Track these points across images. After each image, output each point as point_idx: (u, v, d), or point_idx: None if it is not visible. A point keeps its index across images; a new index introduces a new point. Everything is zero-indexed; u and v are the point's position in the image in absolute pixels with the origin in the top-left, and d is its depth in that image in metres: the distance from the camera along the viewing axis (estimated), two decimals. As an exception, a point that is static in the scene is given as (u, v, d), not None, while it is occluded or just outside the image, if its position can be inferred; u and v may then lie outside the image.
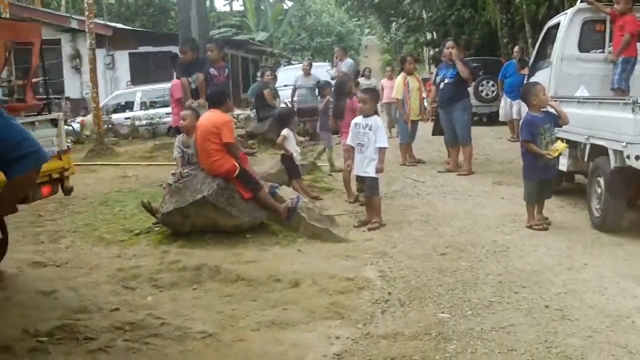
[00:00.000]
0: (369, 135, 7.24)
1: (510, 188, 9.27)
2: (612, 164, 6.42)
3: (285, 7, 43.72)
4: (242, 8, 41.92)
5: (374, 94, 7.78)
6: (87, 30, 15.25)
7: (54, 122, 5.52)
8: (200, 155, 6.96)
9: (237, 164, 6.83)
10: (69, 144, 5.72)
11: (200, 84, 7.91)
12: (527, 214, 7.10)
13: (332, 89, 9.99)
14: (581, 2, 8.51)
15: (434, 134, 11.80)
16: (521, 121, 7.16)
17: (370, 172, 7.26)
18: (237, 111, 17.35)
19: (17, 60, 5.75)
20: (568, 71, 8.35)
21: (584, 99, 7.65)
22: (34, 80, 5.87)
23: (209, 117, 7.01)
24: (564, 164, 7.93)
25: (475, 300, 4.90)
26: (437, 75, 10.96)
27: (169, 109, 18.28)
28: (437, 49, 31.55)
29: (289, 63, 33.93)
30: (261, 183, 7.07)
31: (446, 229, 7.07)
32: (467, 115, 10.68)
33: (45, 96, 6.00)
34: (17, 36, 5.51)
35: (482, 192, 9.03)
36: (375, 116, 7.43)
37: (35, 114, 5.72)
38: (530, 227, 6.91)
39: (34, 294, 5.29)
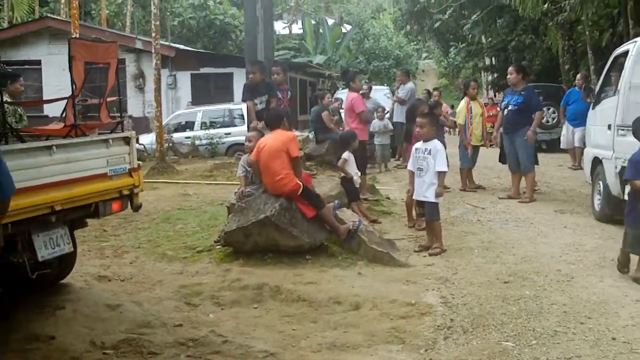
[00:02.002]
0: (429, 160, 7.24)
1: (573, 217, 9.11)
2: (682, 195, 6.23)
3: (344, 30, 44.00)
4: (301, 31, 42.37)
5: (432, 117, 7.76)
6: (153, 51, 15.64)
7: (127, 140, 5.67)
8: (264, 175, 7.04)
9: (300, 183, 6.90)
10: (139, 162, 5.85)
11: (272, 108, 8.04)
12: (619, 257, 6.31)
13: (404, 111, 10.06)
14: (651, 29, 8.35)
15: (500, 161, 11.60)
16: (628, 159, 6.75)
17: (430, 196, 7.23)
18: (295, 133, 17.50)
19: (89, 79, 5.91)
20: (636, 100, 8.17)
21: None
22: (108, 99, 6.04)
23: (275, 136, 7.12)
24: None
25: (539, 330, 4.82)
26: (503, 100, 10.88)
27: (228, 129, 18.74)
28: (496, 74, 31.33)
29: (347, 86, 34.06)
30: (324, 201, 7.11)
31: (508, 257, 6.97)
32: (531, 142, 10.53)
33: (118, 115, 6.16)
34: (96, 57, 5.69)
35: (544, 220, 8.87)
36: (435, 140, 7.39)
37: (109, 132, 5.88)
38: (637, 280, 6.04)
39: (100, 307, 5.43)
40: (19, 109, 7.29)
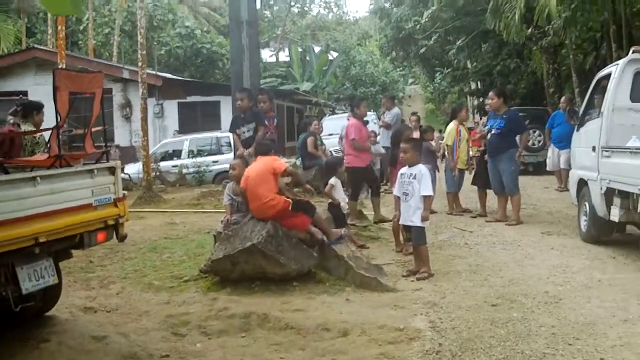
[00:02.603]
0: (414, 185, 7.25)
1: (560, 238, 9.14)
2: (667, 215, 6.28)
3: (331, 57, 44.29)
4: (287, 59, 42.63)
5: (416, 143, 7.79)
6: (139, 80, 15.68)
7: (112, 170, 5.65)
8: (252, 201, 7.06)
9: (289, 199, 7.05)
10: (124, 192, 5.83)
11: (259, 137, 8.07)
12: None
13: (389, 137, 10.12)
14: (633, 52, 8.45)
15: (473, 183, 11.71)
16: None
17: (416, 221, 7.23)
18: (282, 159, 17.52)
19: (74, 109, 5.91)
20: (620, 122, 8.26)
21: (636, 149, 7.54)
22: (93, 129, 6.03)
23: (259, 163, 7.24)
24: (615, 215, 7.80)
25: (528, 352, 4.81)
26: (486, 124, 10.95)
27: (215, 157, 18.75)
28: (481, 99, 31.57)
29: (333, 112, 34.22)
30: (313, 205, 7.37)
31: (496, 280, 6.97)
32: (514, 166, 10.58)
33: (103, 144, 6.15)
34: (81, 87, 5.69)
35: (531, 242, 8.90)
36: (420, 165, 7.41)
37: (94, 162, 5.86)
38: None
39: (85, 338, 5.37)
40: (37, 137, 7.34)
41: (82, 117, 6.43)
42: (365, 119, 11.09)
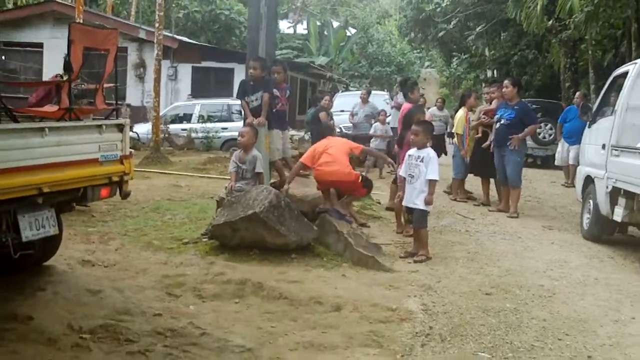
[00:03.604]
0: (420, 167, 7.25)
1: (561, 233, 9.14)
2: (670, 218, 6.28)
3: (349, 33, 43.99)
4: (305, 31, 42.38)
5: (427, 126, 7.75)
6: (155, 41, 15.66)
7: (120, 127, 5.67)
8: (330, 165, 7.85)
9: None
10: (131, 150, 5.85)
11: (265, 103, 8.04)
12: None
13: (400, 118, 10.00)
14: (651, 51, 8.38)
15: (472, 172, 11.65)
16: None
17: (420, 204, 7.24)
18: (292, 132, 17.52)
19: (88, 65, 5.91)
20: (632, 121, 8.21)
21: (645, 150, 7.51)
22: (105, 85, 6.04)
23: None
24: (619, 214, 7.79)
25: (517, 343, 4.84)
26: (496, 113, 10.83)
27: (225, 124, 18.74)
28: (483, 85, 31.37)
29: (347, 89, 34.12)
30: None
31: (493, 269, 6.99)
32: (520, 158, 10.51)
33: (114, 102, 6.16)
34: (95, 42, 5.69)
35: (532, 235, 8.90)
36: (429, 148, 7.40)
37: (103, 118, 5.88)
38: None
39: (81, 291, 5.43)
40: None
41: (95, 72, 6.43)
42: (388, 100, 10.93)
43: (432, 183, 7.24)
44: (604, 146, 8.50)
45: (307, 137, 16.30)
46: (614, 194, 7.94)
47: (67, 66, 5.46)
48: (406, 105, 10.22)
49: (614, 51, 21.64)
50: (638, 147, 7.79)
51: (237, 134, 8.12)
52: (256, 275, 6.07)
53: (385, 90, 30.18)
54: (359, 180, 7.86)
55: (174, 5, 32.86)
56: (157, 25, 15.79)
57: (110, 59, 5.84)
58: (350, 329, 4.95)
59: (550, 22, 21.21)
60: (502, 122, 10.45)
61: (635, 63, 8.60)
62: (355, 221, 8.25)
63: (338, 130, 15.23)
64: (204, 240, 7.15)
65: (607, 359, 4.65)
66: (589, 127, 9.65)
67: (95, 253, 6.76)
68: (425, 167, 7.21)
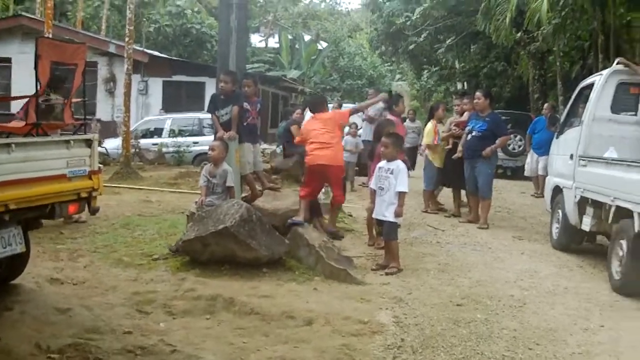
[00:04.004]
0: (390, 180, 7.29)
1: (531, 244, 9.23)
2: (636, 227, 6.37)
3: (320, 47, 44.14)
4: (277, 45, 42.45)
5: (397, 138, 7.79)
6: (125, 55, 15.57)
7: (88, 143, 5.62)
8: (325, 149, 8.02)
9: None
10: (100, 165, 5.79)
11: (234, 117, 8.03)
12: None
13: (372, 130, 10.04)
14: (617, 63, 8.51)
15: (443, 184, 11.74)
16: None
17: (389, 216, 7.27)
18: (263, 145, 17.50)
19: (56, 80, 5.86)
20: (599, 132, 8.33)
21: (612, 160, 7.62)
22: (73, 100, 5.99)
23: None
24: (587, 224, 7.89)
25: (488, 354, 4.87)
26: (467, 124, 10.86)
27: (196, 138, 18.65)
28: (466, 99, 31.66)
29: (319, 102, 34.09)
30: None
31: (464, 280, 7.03)
32: (491, 169, 10.59)
33: (82, 117, 6.11)
34: (63, 57, 5.65)
35: (502, 245, 8.97)
36: (398, 161, 7.43)
37: (71, 133, 5.82)
38: None
39: (49, 310, 5.35)
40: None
41: (63, 87, 6.37)
42: (402, 116, 10.94)
43: (401, 195, 7.28)
44: (571, 156, 8.61)
45: (278, 150, 16.26)
46: (582, 203, 8.05)
47: (50, 81, 5.45)
48: (391, 118, 10.26)
49: (582, 63, 21.93)
50: (605, 157, 7.92)
51: (208, 148, 8.09)
52: (227, 290, 6.03)
53: (357, 102, 30.29)
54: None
55: (144, 19, 32.76)
56: (127, 39, 15.71)
57: (79, 73, 5.79)
58: (322, 343, 4.94)
59: (519, 35, 21.47)
60: (474, 133, 10.48)
61: (601, 74, 8.74)
62: (327, 233, 8.24)
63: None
64: (174, 256, 7.08)
65: (577, 367, 4.69)
66: (557, 137, 9.76)
67: (63, 270, 6.66)
68: (395, 179, 7.25)
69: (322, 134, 8.10)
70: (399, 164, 7.37)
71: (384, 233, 7.42)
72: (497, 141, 10.47)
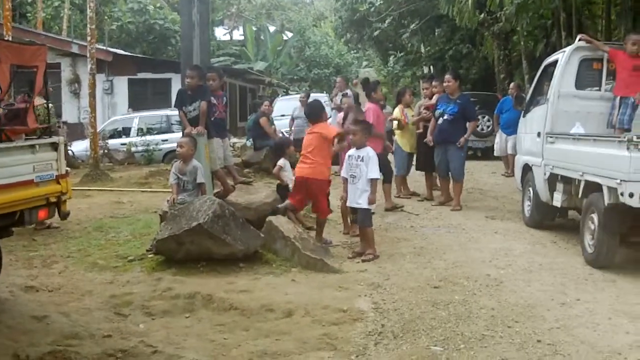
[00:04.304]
0: (361, 167, 7.30)
1: (504, 223, 9.32)
2: (606, 200, 6.47)
3: (285, 37, 44.09)
4: (242, 37, 42.26)
5: (365, 125, 7.80)
6: (88, 55, 15.36)
7: (54, 146, 5.54)
8: (318, 157, 7.76)
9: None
10: (67, 169, 5.72)
11: (202, 112, 7.97)
12: None
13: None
14: (579, 40, 8.60)
15: (418, 168, 11.80)
16: None
17: (363, 203, 7.29)
18: (233, 139, 17.42)
19: (18, 83, 5.79)
20: (564, 108, 8.42)
21: (579, 135, 7.72)
22: (35, 103, 5.90)
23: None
24: (558, 200, 7.98)
25: (468, 334, 4.91)
26: (436, 107, 10.84)
27: (165, 136, 18.50)
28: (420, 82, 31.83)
29: (287, 93, 34.11)
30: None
31: (440, 262, 7.08)
32: (464, 152, 10.67)
33: (47, 120, 6.02)
34: (22, 59, 5.56)
35: (476, 226, 9.05)
36: (368, 148, 7.44)
37: (36, 137, 5.73)
38: None
39: (25, 318, 5.27)
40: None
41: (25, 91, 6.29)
42: (381, 102, 10.82)
43: (374, 182, 7.30)
44: (539, 134, 8.70)
45: (248, 143, 16.22)
46: (552, 180, 8.14)
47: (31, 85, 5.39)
48: (369, 105, 10.24)
49: (545, 41, 22.11)
50: (572, 133, 8.01)
51: (176, 145, 8.03)
52: (205, 287, 6.01)
53: (325, 92, 30.29)
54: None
55: (106, 17, 32.30)
56: (89, 38, 15.48)
57: (40, 75, 5.71)
58: (303, 334, 4.95)
59: (482, 16, 21.57)
60: (445, 117, 10.48)
61: (564, 51, 8.82)
62: (302, 225, 8.25)
63: (280, 134, 15.20)
64: (150, 256, 7.03)
65: (555, 341, 4.75)
66: (524, 116, 9.84)
67: (38, 278, 6.58)
68: (366, 166, 7.26)
69: (307, 147, 7.88)
70: (369, 151, 7.38)
71: (359, 220, 7.45)
72: (468, 128, 10.57)
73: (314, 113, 8.15)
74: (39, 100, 7.17)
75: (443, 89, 10.93)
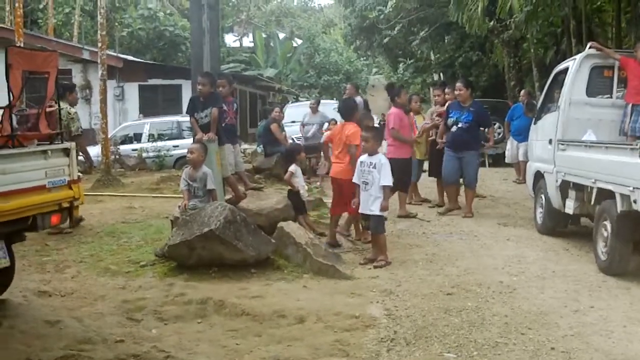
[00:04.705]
0: (374, 174, 7.29)
1: (516, 230, 9.28)
2: (619, 208, 6.44)
3: (295, 44, 44.14)
4: (252, 44, 42.34)
5: (377, 132, 7.80)
6: (99, 61, 15.43)
7: (66, 152, 5.56)
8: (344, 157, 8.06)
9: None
10: (79, 174, 5.73)
11: (214, 119, 7.98)
12: None
13: None
14: (590, 47, 8.58)
15: (430, 175, 11.75)
16: None
17: (375, 210, 7.28)
18: (244, 145, 17.45)
19: (30, 89, 5.81)
20: (576, 116, 8.40)
21: (590, 143, 7.69)
22: (48, 109, 5.93)
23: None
24: (570, 207, 7.95)
25: (481, 341, 4.88)
26: (448, 115, 10.73)
27: (176, 142, 18.55)
28: (430, 89, 31.76)
29: (297, 100, 34.16)
30: None
31: (452, 269, 7.06)
32: (478, 160, 10.68)
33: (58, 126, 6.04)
34: (34, 65, 5.58)
35: (488, 233, 9.02)
36: (380, 154, 7.47)
37: (48, 143, 5.75)
38: None
39: (38, 323, 5.29)
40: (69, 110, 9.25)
41: (37, 97, 6.32)
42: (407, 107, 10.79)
43: (386, 189, 7.29)
44: (550, 141, 8.68)
45: (259, 150, 16.24)
46: (564, 187, 8.11)
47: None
48: (393, 110, 10.24)
49: (555, 48, 22.07)
50: (583, 140, 7.98)
51: (187, 151, 8.05)
52: (217, 293, 6.01)
53: (335, 99, 30.33)
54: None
55: (117, 24, 32.48)
56: (100, 45, 15.57)
57: (51, 81, 5.72)
58: (316, 340, 4.94)
59: (492, 23, 21.54)
60: (460, 125, 10.38)
61: (575, 59, 8.81)
62: (313, 231, 8.25)
63: (290, 140, 15.21)
64: (161, 261, 7.04)
65: (569, 349, 4.72)
66: (535, 123, 9.82)
67: (51, 283, 6.60)
68: (379, 173, 7.25)
69: (336, 148, 8.30)
70: (381, 158, 7.38)
71: (372, 227, 7.43)
72: (487, 135, 10.78)
73: (347, 112, 8.46)
74: (63, 104, 7.49)
75: (454, 97, 10.89)
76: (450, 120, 10.62)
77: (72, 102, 9.68)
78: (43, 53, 5.95)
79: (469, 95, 10.62)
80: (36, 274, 6.95)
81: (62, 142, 5.79)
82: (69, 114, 9.24)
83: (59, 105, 5.92)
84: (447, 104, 11.21)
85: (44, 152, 5.39)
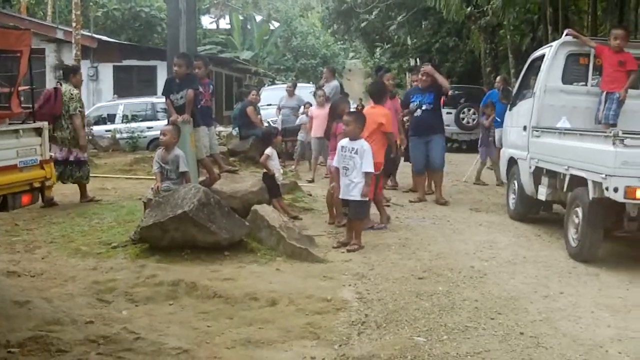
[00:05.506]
0: (355, 159, 7.22)
1: (489, 215, 9.36)
2: (591, 195, 6.51)
3: (272, 27, 43.92)
4: (228, 26, 42.05)
5: (359, 116, 7.73)
6: (73, 41, 15.26)
7: (38, 131, 5.49)
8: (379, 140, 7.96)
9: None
10: (51, 154, 5.67)
11: (189, 100, 7.90)
12: None
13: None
14: (566, 35, 8.62)
15: (406, 159, 11.73)
16: None
17: (356, 195, 7.24)
18: (219, 128, 17.35)
19: (2, 68, 5.72)
20: (550, 102, 8.45)
21: (565, 130, 7.75)
22: (20, 88, 5.84)
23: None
24: (542, 193, 8.03)
25: (451, 325, 4.92)
26: (410, 101, 10.62)
27: (150, 123, 18.40)
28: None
29: (273, 83, 34.03)
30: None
31: (424, 254, 7.10)
32: (444, 142, 10.67)
33: (30, 105, 5.96)
34: (7, 44, 5.50)
35: (461, 218, 9.08)
36: (362, 140, 7.34)
37: (20, 122, 5.68)
38: None
39: (7, 303, 5.21)
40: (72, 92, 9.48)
41: (9, 76, 6.23)
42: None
43: (368, 175, 7.23)
44: (525, 128, 8.73)
45: (234, 132, 16.17)
46: (537, 173, 8.18)
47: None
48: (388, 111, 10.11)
49: (532, 35, 22.24)
50: (557, 127, 8.05)
51: (159, 133, 7.98)
52: (189, 275, 5.98)
53: (311, 82, 30.26)
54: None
55: (92, 4, 32.06)
56: (74, 24, 15.39)
57: (24, 60, 5.64)
58: (287, 323, 4.94)
59: (469, 9, 21.64)
60: (424, 107, 10.34)
61: (551, 46, 8.85)
62: (287, 214, 8.24)
63: (266, 124, 15.16)
64: (133, 243, 6.99)
65: (538, 334, 4.77)
66: (510, 110, 9.86)
67: (20, 263, 6.51)
68: (360, 158, 7.19)
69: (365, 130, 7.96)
70: (363, 144, 7.26)
71: (352, 212, 7.38)
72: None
73: (377, 94, 8.49)
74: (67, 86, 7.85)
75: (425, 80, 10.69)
76: (412, 105, 10.55)
77: (75, 83, 9.77)
78: (15, 32, 5.86)
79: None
80: (5, 254, 6.86)
81: (34, 122, 5.71)
82: (71, 94, 9.40)
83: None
84: (406, 92, 11.12)
85: (16, 131, 5.32)
